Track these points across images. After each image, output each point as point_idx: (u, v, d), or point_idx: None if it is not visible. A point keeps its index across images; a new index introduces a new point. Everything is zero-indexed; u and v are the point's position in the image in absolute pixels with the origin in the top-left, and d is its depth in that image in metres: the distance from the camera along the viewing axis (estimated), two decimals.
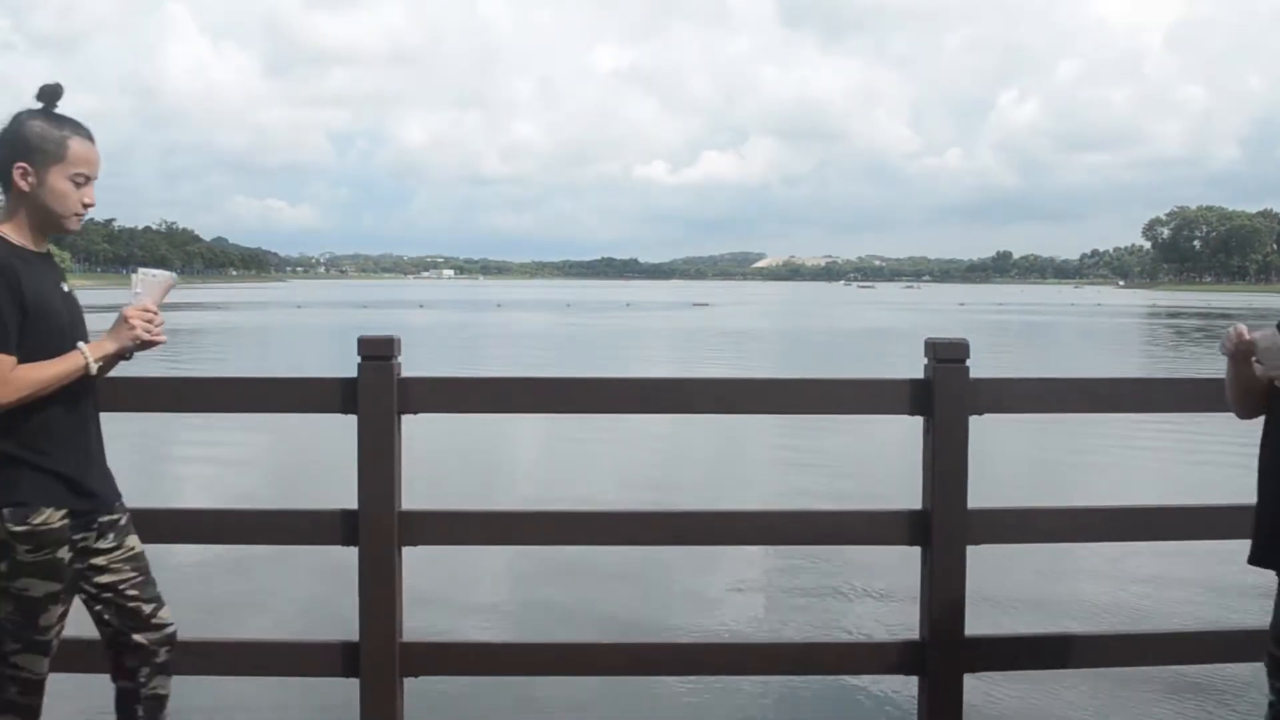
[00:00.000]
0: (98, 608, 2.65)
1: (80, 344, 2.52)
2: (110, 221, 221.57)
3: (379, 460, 3.03)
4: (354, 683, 3.10)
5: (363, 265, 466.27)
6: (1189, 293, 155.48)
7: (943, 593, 3.08)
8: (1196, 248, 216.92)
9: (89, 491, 2.55)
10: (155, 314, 2.58)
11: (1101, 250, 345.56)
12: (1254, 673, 4.55)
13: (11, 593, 2.48)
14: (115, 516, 2.65)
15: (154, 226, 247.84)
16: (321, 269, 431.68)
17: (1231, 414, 2.77)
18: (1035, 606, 5.94)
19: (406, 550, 3.09)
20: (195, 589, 6.21)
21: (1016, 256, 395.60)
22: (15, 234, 2.51)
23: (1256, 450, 2.63)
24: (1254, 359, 2.49)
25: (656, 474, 10.26)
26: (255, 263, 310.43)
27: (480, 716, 4.21)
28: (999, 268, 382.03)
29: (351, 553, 3.08)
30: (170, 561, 6.54)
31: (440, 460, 9.72)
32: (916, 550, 3.14)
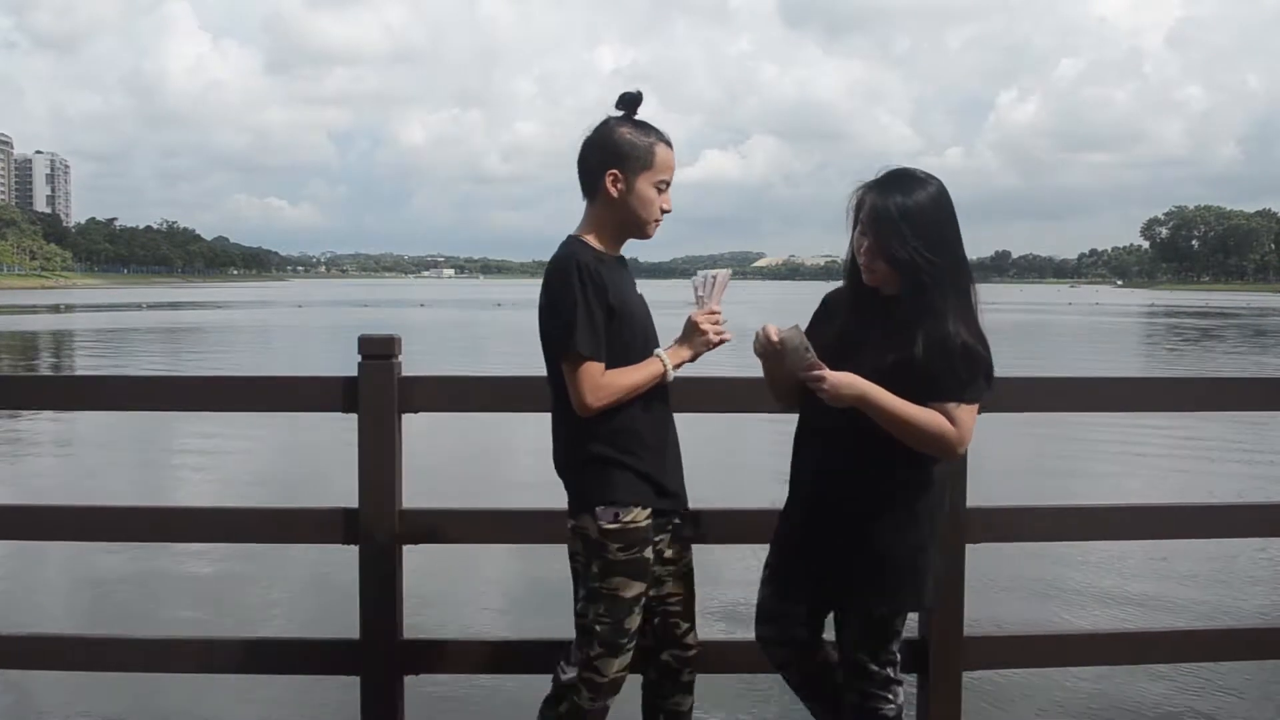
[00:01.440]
0: (649, 615, 2.63)
1: (658, 351, 2.52)
2: (112, 221, 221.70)
3: (380, 459, 3.03)
4: (354, 680, 3.10)
5: (363, 264, 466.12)
6: (1187, 292, 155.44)
7: (942, 591, 3.09)
8: (1195, 247, 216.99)
9: (670, 492, 2.58)
10: (718, 314, 2.55)
11: (1100, 250, 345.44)
12: (1254, 672, 4.56)
13: (604, 593, 2.50)
14: (682, 526, 2.65)
15: (155, 226, 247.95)
16: (322, 268, 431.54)
17: (1231, 414, 2.79)
18: (1034, 605, 5.94)
19: (407, 548, 3.10)
20: (196, 587, 6.22)
21: (1015, 256, 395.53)
22: (596, 240, 2.54)
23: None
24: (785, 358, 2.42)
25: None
26: (256, 262, 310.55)
27: (480, 714, 4.22)
28: (998, 267, 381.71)
29: (352, 551, 3.08)
30: (171, 560, 6.56)
31: (441, 459, 9.72)
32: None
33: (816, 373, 2.38)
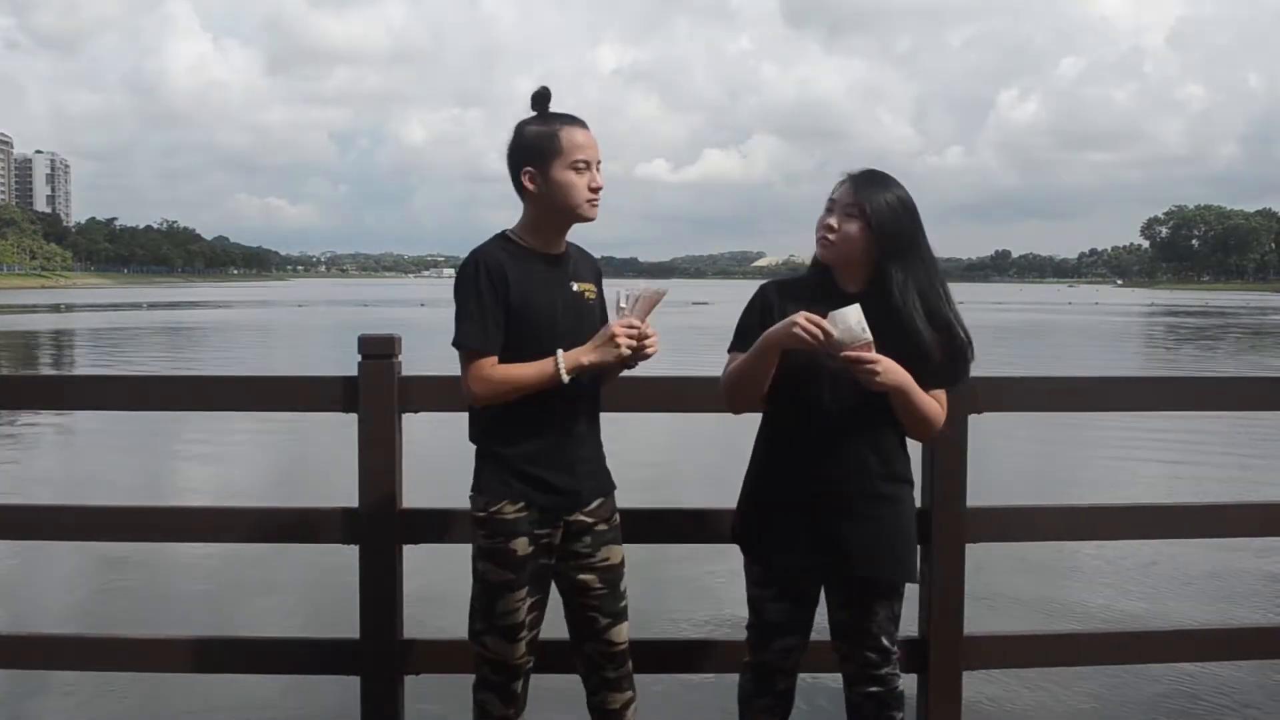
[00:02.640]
0: (565, 608, 2.70)
1: (559, 351, 2.50)
2: (112, 221, 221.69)
3: (380, 459, 3.03)
4: (354, 680, 3.11)
5: (363, 264, 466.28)
6: (1187, 291, 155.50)
7: (942, 591, 3.09)
8: (1195, 247, 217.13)
9: (555, 489, 2.56)
10: (638, 328, 2.50)
11: (1100, 249, 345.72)
12: (1255, 671, 4.57)
13: (477, 573, 2.61)
14: (593, 521, 2.63)
15: (155, 226, 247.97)
16: (322, 267, 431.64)
17: (1232, 413, 2.79)
18: (1034, 605, 5.95)
19: (407, 548, 3.10)
20: (196, 587, 6.22)
21: (1015, 255, 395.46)
22: (529, 236, 2.58)
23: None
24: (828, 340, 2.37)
25: (654, 472, 10.25)
26: (256, 261, 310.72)
27: None
28: (998, 267, 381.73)
29: (352, 551, 3.08)
30: (171, 560, 6.56)
31: (441, 458, 9.71)
32: (915, 549, 3.14)
33: (870, 354, 2.37)
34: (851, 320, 2.35)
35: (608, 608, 2.66)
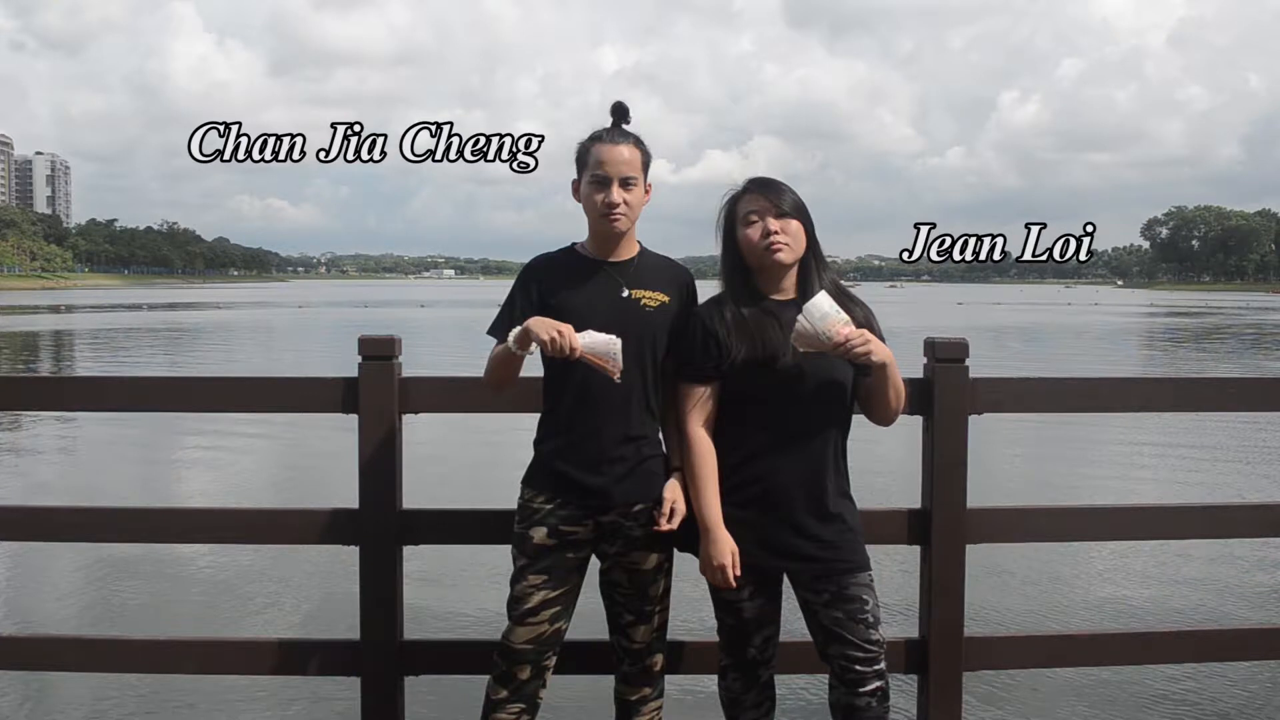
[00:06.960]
0: (602, 597, 2.78)
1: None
2: (112, 222, 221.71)
3: (380, 460, 3.03)
4: (355, 681, 3.11)
5: (363, 265, 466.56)
6: (1187, 292, 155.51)
7: (942, 591, 3.09)
8: (1195, 247, 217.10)
9: (580, 487, 2.63)
10: (562, 335, 2.45)
11: (1100, 250, 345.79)
12: (1255, 672, 4.57)
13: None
14: (628, 525, 2.66)
15: (156, 227, 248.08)
16: (322, 269, 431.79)
17: (1230, 414, 2.81)
18: (1035, 605, 5.95)
19: (407, 548, 3.10)
20: (197, 588, 6.23)
21: (1016, 256, 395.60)
22: (587, 243, 2.74)
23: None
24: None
25: None
26: (256, 263, 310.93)
27: (480, 714, 4.21)
28: (998, 267, 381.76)
29: (352, 551, 3.08)
30: (172, 561, 6.57)
31: (441, 460, 9.72)
32: (916, 549, 3.15)
33: (857, 332, 2.44)
34: (826, 307, 2.44)
35: (633, 606, 2.75)
